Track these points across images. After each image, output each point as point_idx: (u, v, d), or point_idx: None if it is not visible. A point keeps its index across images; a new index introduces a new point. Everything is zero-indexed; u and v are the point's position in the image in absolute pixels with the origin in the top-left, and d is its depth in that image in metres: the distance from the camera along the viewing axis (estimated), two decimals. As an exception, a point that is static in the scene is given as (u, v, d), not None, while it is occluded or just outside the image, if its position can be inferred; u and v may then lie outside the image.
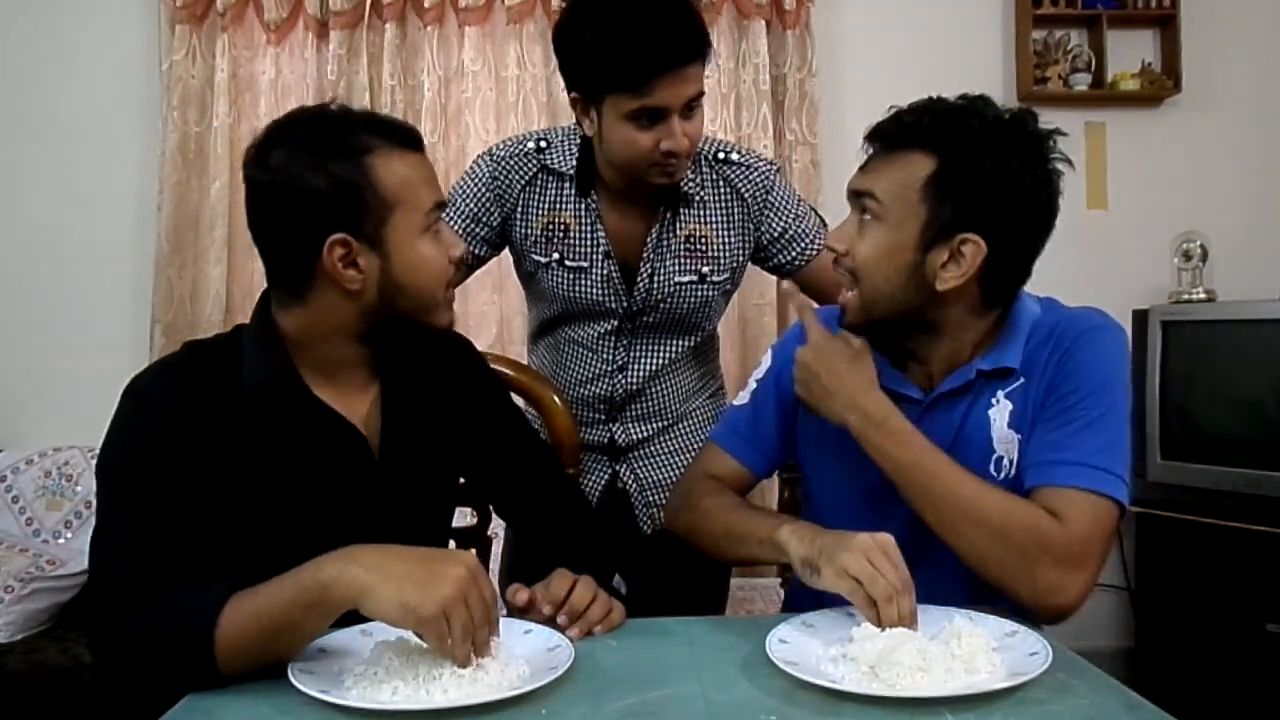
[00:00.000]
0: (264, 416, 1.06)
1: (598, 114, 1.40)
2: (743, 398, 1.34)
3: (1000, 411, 1.15)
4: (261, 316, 1.10)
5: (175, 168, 2.75)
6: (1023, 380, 1.15)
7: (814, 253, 1.60)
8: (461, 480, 1.32)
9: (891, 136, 1.12)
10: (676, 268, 1.54)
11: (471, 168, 1.59)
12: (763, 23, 2.82)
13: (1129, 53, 2.96)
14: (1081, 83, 2.92)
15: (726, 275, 1.58)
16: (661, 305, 1.56)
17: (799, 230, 1.59)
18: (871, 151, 1.14)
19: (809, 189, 2.79)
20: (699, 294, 1.56)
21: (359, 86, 2.80)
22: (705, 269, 1.55)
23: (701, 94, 1.39)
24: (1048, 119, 1.13)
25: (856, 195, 1.14)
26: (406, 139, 1.07)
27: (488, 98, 2.83)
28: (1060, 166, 1.11)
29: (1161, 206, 2.97)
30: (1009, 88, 2.94)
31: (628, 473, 1.64)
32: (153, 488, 0.99)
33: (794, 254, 1.60)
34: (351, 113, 1.07)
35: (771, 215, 1.57)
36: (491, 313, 2.80)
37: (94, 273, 2.87)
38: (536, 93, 2.82)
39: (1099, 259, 2.88)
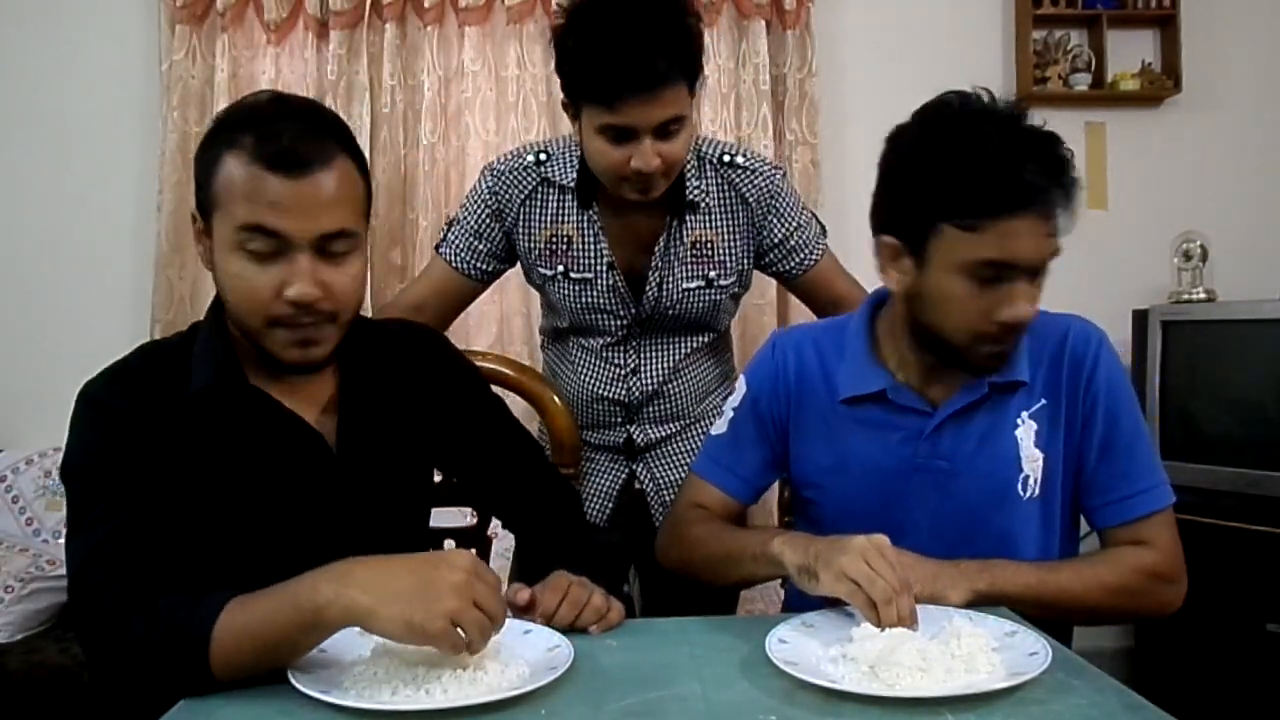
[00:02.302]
0: (214, 418, 1.05)
1: (579, 121, 1.41)
2: (720, 427, 1.32)
3: (1026, 432, 1.18)
4: (213, 317, 1.09)
5: (175, 168, 2.74)
6: (1044, 401, 1.18)
7: (812, 262, 1.60)
8: (454, 480, 1.31)
9: (1059, 201, 1.07)
10: (684, 274, 1.54)
11: (475, 183, 1.61)
12: (763, 23, 2.82)
13: (1129, 53, 2.96)
14: (1081, 83, 2.92)
15: (733, 279, 1.58)
16: (670, 312, 1.56)
17: (801, 240, 1.58)
18: (1063, 211, 1.07)
19: (809, 189, 2.79)
20: (707, 298, 1.57)
21: (359, 86, 2.80)
22: (712, 274, 1.55)
23: (680, 116, 1.37)
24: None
25: (1050, 257, 1.09)
26: (275, 159, 0.96)
27: (488, 98, 2.83)
28: None
29: (1161, 206, 2.97)
30: (1009, 88, 2.94)
31: (645, 472, 1.64)
32: (116, 487, 0.98)
33: (794, 263, 1.60)
34: (260, 111, 1.01)
35: (775, 221, 1.56)
36: (492, 313, 2.80)
37: (94, 273, 2.87)
38: (536, 93, 2.82)
39: (1099, 259, 2.88)
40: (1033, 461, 1.18)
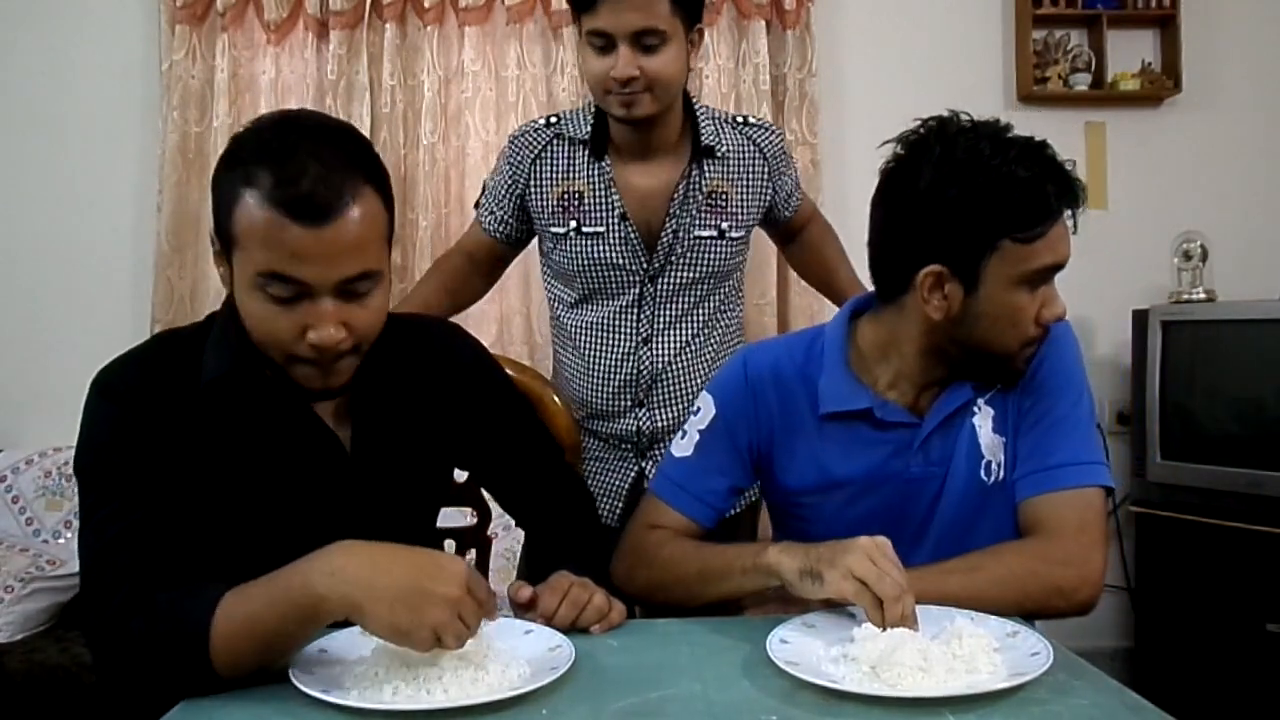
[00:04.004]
0: (228, 410, 1.04)
1: (580, 40, 1.49)
2: (685, 448, 1.26)
3: (984, 419, 1.18)
4: (229, 308, 1.07)
5: (175, 168, 2.74)
6: (999, 386, 1.18)
7: (799, 201, 1.73)
8: (464, 475, 1.31)
9: (1081, 198, 1.12)
10: (699, 222, 1.59)
11: (498, 158, 1.70)
12: (763, 23, 2.82)
13: (1129, 53, 2.96)
14: (1081, 83, 2.91)
15: (742, 233, 1.64)
16: (681, 261, 1.60)
17: (794, 185, 1.71)
18: (1069, 219, 1.12)
19: (809, 189, 2.77)
20: (716, 249, 1.61)
21: (359, 86, 2.80)
22: (724, 224, 1.60)
23: (658, 29, 1.43)
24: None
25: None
26: (296, 206, 0.92)
27: (488, 98, 2.83)
28: None
29: (1161, 206, 2.97)
30: (1009, 88, 2.94)
31: (654, 469, 1.63)
32: (128, 480, 0.97)
33: (790, 208, 1.71)
34: (279, 142, 0.96)
35: (784, 172, 1.67)
36: (492, 312, 2.80)
37: (94, 273, 2.87)
38: (536, 93, 2.82)
39: (1099, 259, 2.88)
40: (992, 447, 1.17)
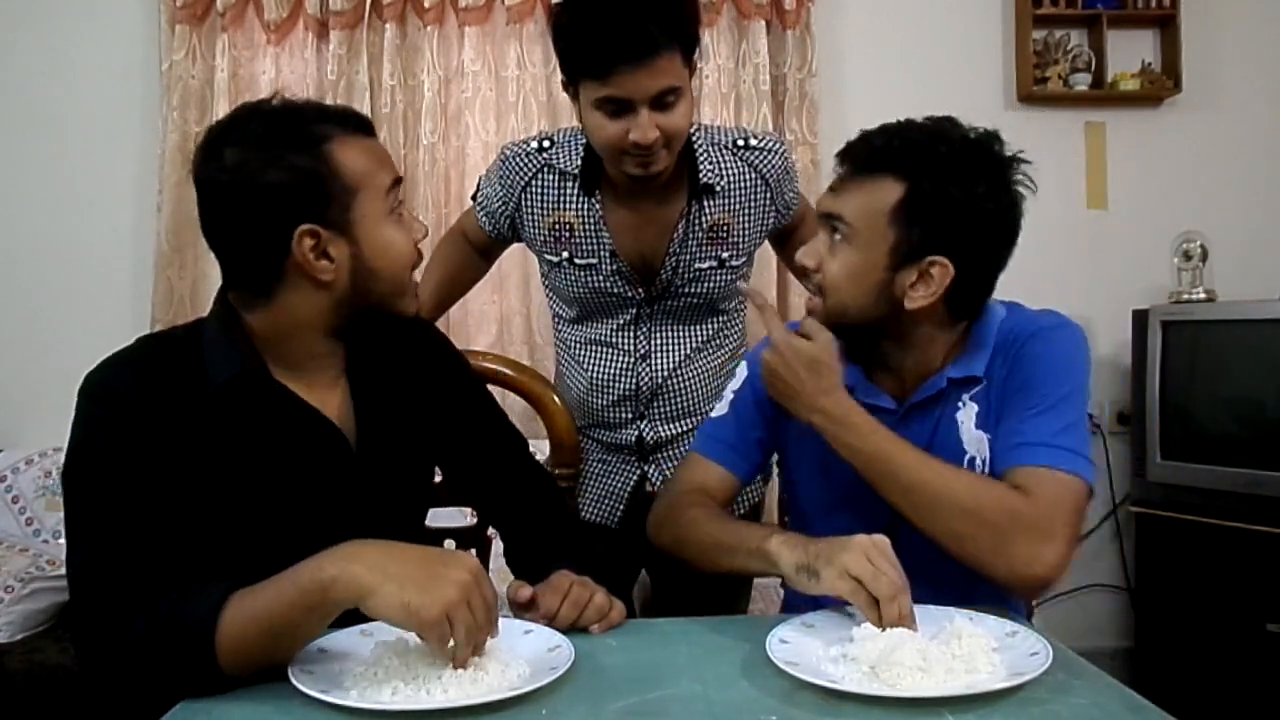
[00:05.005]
0: (234, 413, 1.03)
1: (577, 99, 1.41)
2: (721, 409, 1.33)
3: (967, 414, 1.18)
4: (223, 313, 1.07)
5: (175, 168, 2.74)
6: (985, 382, 1.19)
7: (794, 210, 1.66)
8: (446, 474, 1.31)
9: (860, 160, 1.13)
10: (700, 255, 1.55)
11: (491, 164, 1.64)
12: (763, 23, 2.83)
13: (1129, 53, 2.96)
14: (1081, 83, 2.91)
15: (744, 260, 1.60)
16: (681, 291, 1.57)
17: (794, 195, 1.64)
18: (842, 171, 1.15)
19: (809, 189, 2.78)
20: (717, 278, 1.58)
21: (359, 86, 2.81)
22: (725, 254, 1.56)
23: (675, 87, 1.36)
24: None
25: (827, 217, 1.16)
26: (359, 125, 1.07)
27: (488, 98, 2.83)
28: (1023, 190, 1.13)
29: (1161, 206, 2.97)
30: (1009, 88, 2.93)
31: (657, 474, 1.63)
32: (123, 487, 0.95)
33: (786, 219, 1.65)
34: (298, 104, 1.06)
35: (787, 189, 1.60)
36: (491, 312, 2.81)
37: (94, 273, 2.87)
38: (536, 93, 2.82)
39: (1099, 259, 2.89)
40: (975, 443, 1.17)
